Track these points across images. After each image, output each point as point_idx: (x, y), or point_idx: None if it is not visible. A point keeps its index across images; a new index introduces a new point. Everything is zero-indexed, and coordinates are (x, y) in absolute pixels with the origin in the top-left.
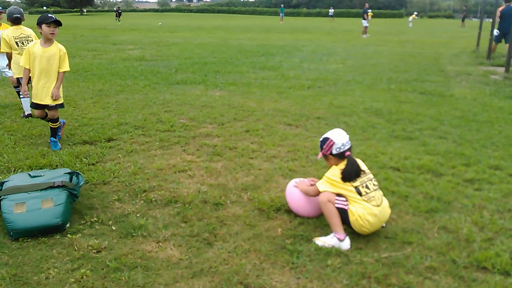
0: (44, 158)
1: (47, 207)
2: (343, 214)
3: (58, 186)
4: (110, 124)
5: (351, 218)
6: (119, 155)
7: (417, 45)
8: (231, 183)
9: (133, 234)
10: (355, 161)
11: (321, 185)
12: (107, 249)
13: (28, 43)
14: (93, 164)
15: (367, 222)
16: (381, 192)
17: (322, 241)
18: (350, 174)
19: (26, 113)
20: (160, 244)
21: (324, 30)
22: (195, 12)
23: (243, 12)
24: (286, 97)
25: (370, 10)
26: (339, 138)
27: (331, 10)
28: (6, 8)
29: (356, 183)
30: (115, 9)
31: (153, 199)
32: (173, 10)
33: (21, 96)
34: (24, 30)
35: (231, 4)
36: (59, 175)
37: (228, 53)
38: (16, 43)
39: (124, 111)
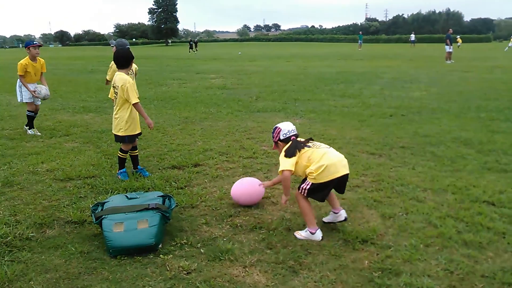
0: (137, 181)
1: (142, 228)
2: (314, 187)
3: (152, 208)
4: (196, 150)
5: (316, 178)
6: (205, 180)
7: (508, 71)
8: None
9: (221, 257)
10: (298, 142)
11: (281, 166)
12: (197, 271)
13: (133, 72)
14: (181, 188)
15: (323, 166)
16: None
17: (299, 233)
18: (291, 151)
19: None
20: (247, 269)
21: (405, 56)
22: (273, 41)
23: (321, 40)
24: (368, 125)
25: (458, 36)
26: (285, 126)
27: (413, 36)
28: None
29: (305, 149)
30: (189, 40)
31: (238, 224)
32: (252, 39)
33: None
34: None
35: (308, 32)
36: (153, 198)
37: (307, 80)
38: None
39: (209, 138)
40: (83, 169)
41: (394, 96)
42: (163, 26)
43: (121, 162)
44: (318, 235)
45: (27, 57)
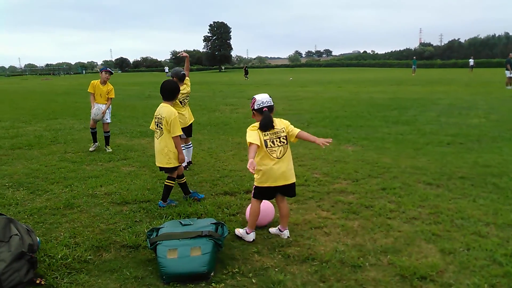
0: (190, 206)
1: (195, 255)
2: (258, 190)
3: (205, 236)
4: (248, 176)
5: (258, 181)
6: None
7: None
8: (369, 244)
9: None
10: (269, 116)
11: (247, 137)
12: None
13: (187, 100)
14: (233, 215)
15: (262, 168)
16: (287, 150)
17: (238, 230)
18: (263, 124)
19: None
20: None
21: (462, 82)
22: (324, 67)
23: (373, 65)
24: (424, 154)
25: None
26: (261, 97)
27: (471, 60)
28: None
29: (266, 137)
30: (243, 66)
31: (290, 255)
32: (303, 65)
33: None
34: (185, 88)
35: (360, 57)
36: (207, 225)
37: (359, 107)
38: (180, 102)
39: None
40: (139, 193)
41: (451, 123)
42: (217, 53)
43: (169, 191)
44: (251, 236)
45: (99, 80)
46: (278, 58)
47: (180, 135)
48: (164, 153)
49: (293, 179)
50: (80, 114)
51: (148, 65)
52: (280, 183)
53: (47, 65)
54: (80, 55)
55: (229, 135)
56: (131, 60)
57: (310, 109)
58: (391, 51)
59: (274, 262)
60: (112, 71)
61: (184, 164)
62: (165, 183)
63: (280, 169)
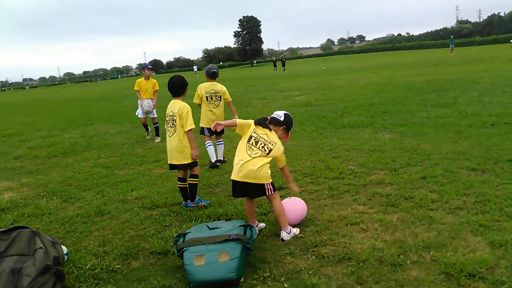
0: (220, 207)
1: (223, 261)
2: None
3: (233, 239)
4: (279, 173)
5: None
6: None
7: None
8: (409, 240)
9: None
10: (265, 119)
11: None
12: None
13: (216, 98)
14: (265, 214)
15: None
16: (263, 159)
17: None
18: (259, 119)
19: (212, 161)
20: None
21: (504, 58)
22: (358, 53)
23: (408, 48)
24: (466, 137)
25: None
26: (276, 112)
27: None
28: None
29: (254, 134)
30: (273, 59)
31: (324, 255)
32: (336, 53)
33: (207, 144)
34: (216, 86)
35: (394, 40)
36: (234, 228)
37: (395, 92)
38: (207, 97)
39: (293, 158)
40: (170, 196)
41: (494, 103)
42: (248, 47)
43: (195, 189)
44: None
45: (143, 77)
46: (310, 47)
47: (206, 133)
48: (180, 149)
49: (254, 179)
50: (115, 119)
51: (181, 65)
52: (237, 177)
53: (84, 72)
54: (116, 60)
55: None
56: (165, 62)
57: (344, 98)
58: (427, 32)
59: (308, 263)
60: (153, 67)
61: (213, 161)
62: (189, 181)
63: (247, 167)
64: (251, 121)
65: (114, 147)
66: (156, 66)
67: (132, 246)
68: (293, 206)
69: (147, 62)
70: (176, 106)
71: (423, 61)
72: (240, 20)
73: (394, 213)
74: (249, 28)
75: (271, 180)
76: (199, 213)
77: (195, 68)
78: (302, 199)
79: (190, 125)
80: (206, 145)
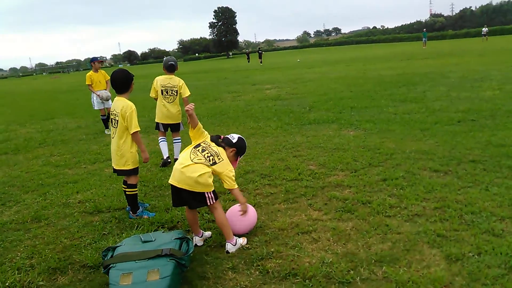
0: (167, 212)
1: (152, 280)
2: None
3: (165, 255)
4: (237, 172)
5: None
6: None
7: None
8: (362, 252)
9: None
10: (217, 137)
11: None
12: None
13: (172, 93)
14: (213, 221)
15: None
16: (204, 167)
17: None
18: (212, 137)
19: (164, 158)
20: None
21: (475, 52)
22: (333, 46)
23: (383, 41)
24: (431, 135)
25: None
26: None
27: (485, 29)
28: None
29: (203, 144)
30: (246, 51)
31: (269, 270)
32: (312, 45)
33: (160, 140)
34: (173, 80)
35: (370, 33)
36: (169, 241)
37: (365, 85)
38: (162, 91)
39: (253, 157)
40: (115, 199)
41: (462, 98)
42: (224, 39)
43: (135, 200)
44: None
45: (91, 70)
46: (287, 40)
47: (161, 128)
48: (120, 153)
49: (192, 187)
50: (78, 112)
51: (156, 56)
52: (172, 181)
53: (57, 63)
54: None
55: (224, 126)
56: (139, 53)
57: (314, 91)
58: (401, 25)
59: (250, 280)
60: (101, 59)
61: (165, 157)
62: (126, 192)
63: (185, 173)
64: (204, 133)
65: (70, 144)
66: (130, 57)
67: (63, 258)
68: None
69: (122, 53)
70: (119, 105)
71: (396, 55)
72: (215, 11)
73: (349, 220)
74: (225, 19)
75: (212, 189)
76: (141, 220)
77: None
78: (256, 203)
79: (135, 127)
80: (159, 141)
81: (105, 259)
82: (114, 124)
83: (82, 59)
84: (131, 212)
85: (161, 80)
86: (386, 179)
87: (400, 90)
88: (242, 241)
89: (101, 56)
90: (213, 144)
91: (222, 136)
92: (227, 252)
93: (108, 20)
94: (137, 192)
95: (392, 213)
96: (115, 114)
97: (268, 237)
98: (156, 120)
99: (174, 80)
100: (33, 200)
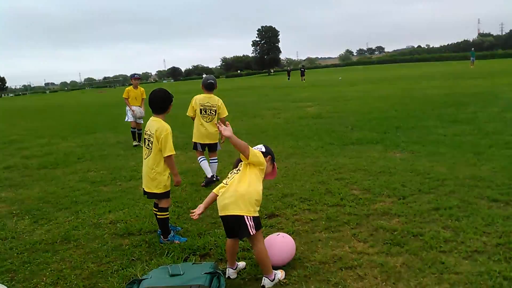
0: (200, 237)
1: None
2: None
3: None
4: (275, 195)
5: None
6: None
7: None
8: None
9: None
10: (236, 160)
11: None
12: None
13: (211, 112)
14: (248, 249)
15: None
16: (234, 188)
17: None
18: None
19: (208, 177)
20: None
21: None
22: (376, 64)
23: (428, 60)
24: (486, 160)
25: None
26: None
27: None
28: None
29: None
30: (287, 69)
31: None
32: (354, 63)
33: (200, 160)
34: (212, 99)
35: (414, 52)
36: (199, 276)
37: (411, 105)
38: (201, 110)
39: (292, 179)
40: (147, 221)
41: None
42: (266, 56)
43: (166, 224)
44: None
45: (131, 86)
46: (329, 58)
47: (199, 148)
48: (152, 176)
49: (233, 211)
50: (119, 127)
51: (199, 72)
52: (220, 212)
53: (104, 78)
54: (136, 66)
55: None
56: (183, 69)
57: (357, 110)
58: (447, 44)
59: None
60: (140, 76)
61: (209, 176)
62: (157, 216)
63: (227, 190)
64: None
65: (108, 159)
66: (174, 73)
67: (88, 286)
68: (279, 246)
69: (166, 69)
70: (154, 125)
71: (442, 73)
72: (258, 30)
73: (399, 255)
74: (268, 37)
75: (254, 214)
76: (172, 245)
77: (204, 75)
78: (295, 230)
79: (170, 150)
80: (199, 161)
81: None
82: (148, 145)
83: (128, 74)
84: (162, 236)
85: (200, 99)
86: (439, 208)
87: (448, 110)
88: (281, 275)
89: (142, 73)
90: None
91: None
92: (263, 287)
93: (153, 38)
94: (168, 216)
95: (448, 248)
96: (149, 134)
97: (308, 272)
98: (194, 140)
99: (213, 100)
100: (65, 218)
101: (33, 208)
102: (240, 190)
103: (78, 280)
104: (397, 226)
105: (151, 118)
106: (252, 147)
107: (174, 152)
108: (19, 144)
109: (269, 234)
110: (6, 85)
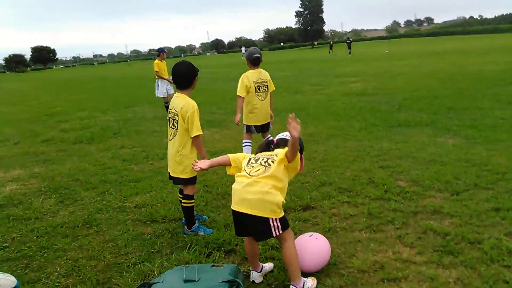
0: (227, 230)
1: None
2: None
3: None
4: (312, 183)
5: None
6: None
7: None
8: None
9: None
10: (268, 143)
11: None
12: None
13: (264, 89)
14: (277, 248)
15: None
16: (268, 172)
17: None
18: (260, 147)
19: None
20: None
21: None
22: (425, 36)
23: (481, 32)
24: None
25: None
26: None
27: None
28: (246, 49)
29: (252, 156)
30: (330, 42)
31: None
32: (402, 36)
33: (245, 143)
34: (262, 74)
35: (466, 23)
36: (215, 285)
37: (464, 82)
38: (255, 88)
39: (331, 165)
40: (173, 207)
41: None
42: (310, 28)
43: (191, 213)
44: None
45: (158, 59)
46: (375, 29)
47: (253, 130)
48: (178, 159)
49: (249, 209)
50: (158, 101)
51: (242, 45)
52: (238, 208)
53: (149, 50)
54: (180, 39)
55: (302, 124)
56: (226, 41)
57: (404, 87)
58: (503, 15)
59: None
60: (166, 50)
61: None
62: (182, 203)
63: (246, 192)
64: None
65: (143, 135)
66: (217, 46)
67: (101, 281)
68: (313, 249)
69: (209, 42)
70: (180, 102)
71: (498, 48)
72: (301, 0)
73: (452, 268)
74: (311, 7)
75: (281, 215)
76: (196, 237)
77: (243, 49)
78: (331, 227)
79: (197, 130)
80: (244, 144)
81: None
82: (173, 124)
83: (173, 47)
84: (186, 227)
85: (252, 76)
86: (500, 208)
87: (507, 89)
88: (311, 283)
89: (186, 46)
90: (266, 152)
91: (275, 140)
92: None
93: (197, 9)
94: (193, 204)
95: None
96: (174, 113)
97: (343, 281)
98: (248, 124)
99: (263, 74)
100: (91, 199)
101: (61, 186)
102: (269, 189)
103: (92, 273)
104: (450, 229)
105: (175, 95)
106: (279, 135)
107: (201, 132)
108: (60, 117)
109: (303, 229)
110: (57, 56)
